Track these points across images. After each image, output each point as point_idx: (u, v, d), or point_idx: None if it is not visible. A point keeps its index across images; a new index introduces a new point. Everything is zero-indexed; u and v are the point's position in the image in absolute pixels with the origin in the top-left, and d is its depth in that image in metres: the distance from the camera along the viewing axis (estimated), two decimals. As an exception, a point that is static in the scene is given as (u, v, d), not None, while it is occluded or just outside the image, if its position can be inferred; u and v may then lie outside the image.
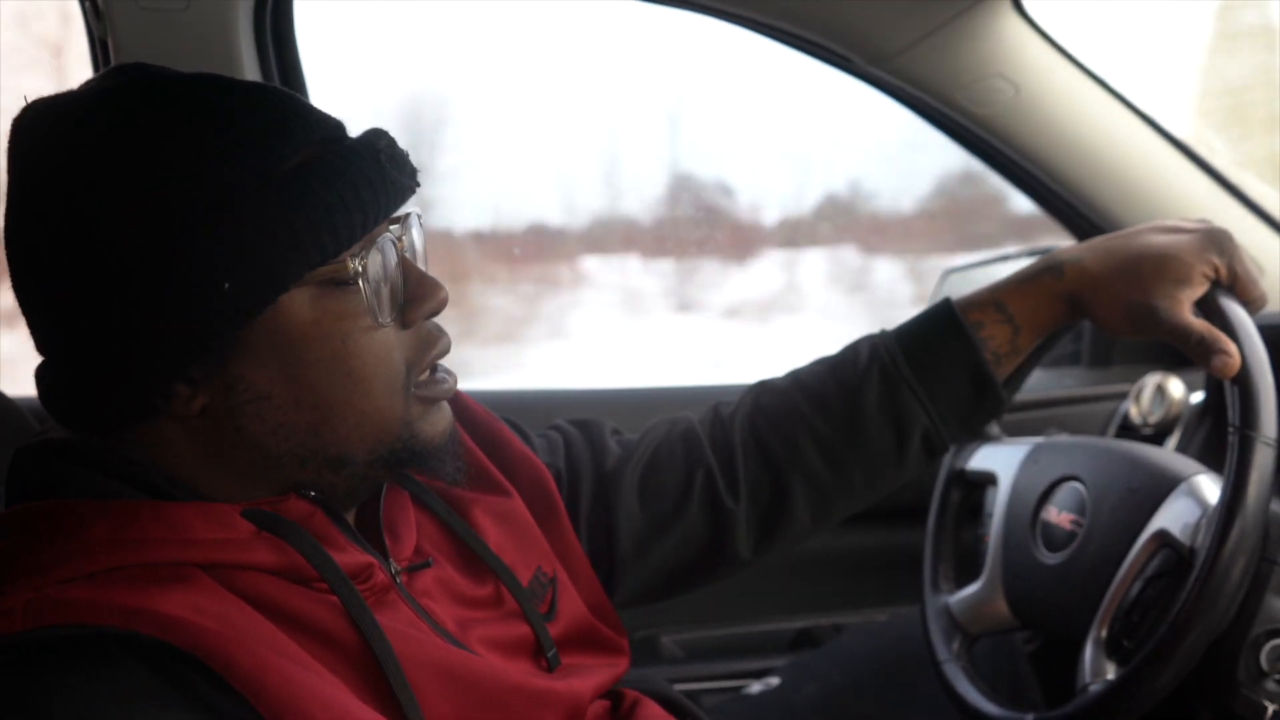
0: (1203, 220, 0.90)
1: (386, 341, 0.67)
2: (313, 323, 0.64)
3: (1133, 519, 0.92)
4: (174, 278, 0.60)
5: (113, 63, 1.20)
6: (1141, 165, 1.41)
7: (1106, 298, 0.88)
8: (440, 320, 0.72)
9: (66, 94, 0.66)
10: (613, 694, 0.86)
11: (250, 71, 1.29)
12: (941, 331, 0.91)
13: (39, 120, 0.65)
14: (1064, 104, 1.36)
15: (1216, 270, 0.86)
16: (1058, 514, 1.02)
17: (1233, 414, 0.82)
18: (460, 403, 0.88)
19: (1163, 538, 0.88)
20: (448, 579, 0.77)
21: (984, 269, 1.71)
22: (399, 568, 0.73)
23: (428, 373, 0.71)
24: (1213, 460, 0.96)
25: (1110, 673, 0.89)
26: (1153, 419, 1.35)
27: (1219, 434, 1.23)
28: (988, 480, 1.13)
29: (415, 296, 0.69)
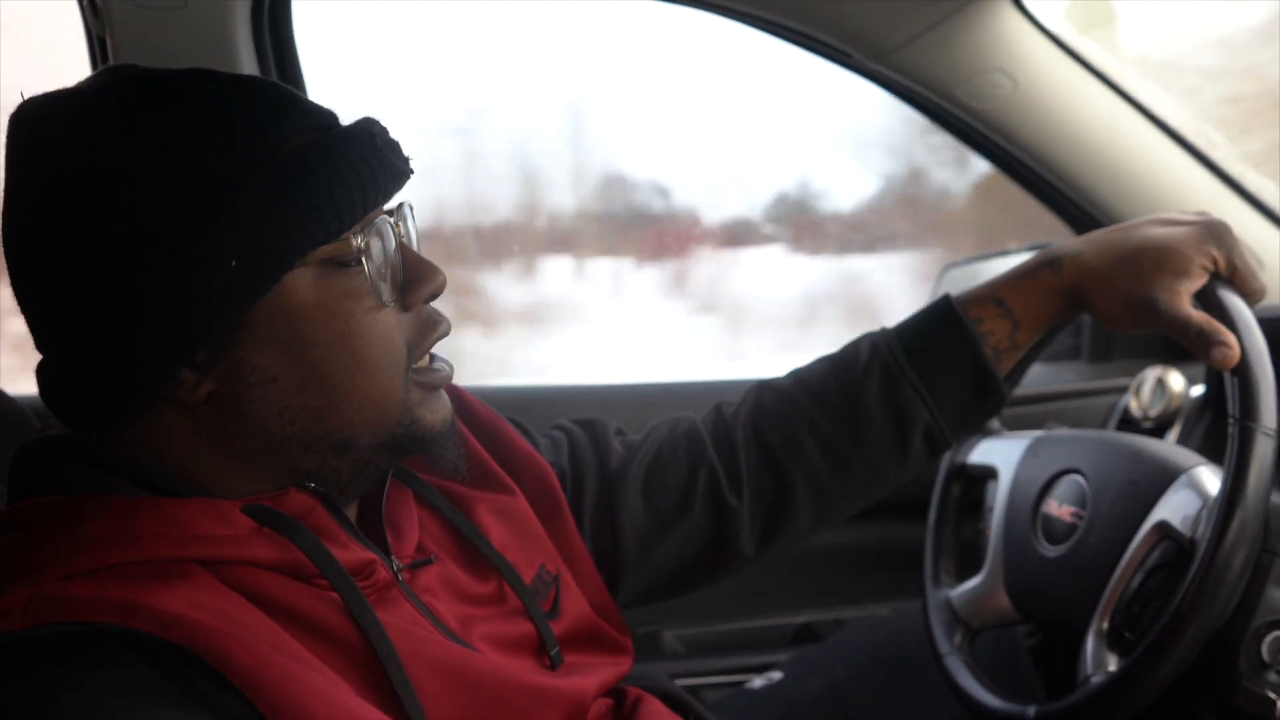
0: (1201, 213, 0.90)
1: (389, 323, 0.68)
2: (317, 304, 0.65)
3: (1133, 511, 0.92)
4: (181, 259, 0.61)
5: (111, 61, 1.20)
6: (1140, 159, 1.41)
7: (1105, 291, 0.88)
8: None
9: (64, 90, 0.66)
10: (615, 691, 0.86)
11: (248, 69, 1.29)
12: (942, 328, 0.91)
13: (37, 114, 0.65)
14: (1063, 98, 1.36)
15: (1215, 262, 0.86)
16: (1058, 507, 1.02)
17: (1233, 405, 0.82)
18: (462, 400, 0.88)
19: (1163, 529, 0.88)
20: (450, 576, 0.77)
21: (983, 264, 1.71)
22: (401, 565, 0.73)
23: (426, 360, 0.72)
24: (1213, 452, 0.96)
25: (1112, 664, 0.89)
26: (1153, 412, 1.35)
27: (1219, 426, 1.23)
28: (988, 474, 1.13)
29: (414, 279, 0.70)
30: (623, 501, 0.91)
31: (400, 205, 0.71)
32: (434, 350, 0.73)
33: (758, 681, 1.20)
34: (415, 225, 0.73)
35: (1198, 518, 0.86)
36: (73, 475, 0.65)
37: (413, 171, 0.69)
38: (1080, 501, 0.99)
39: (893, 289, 2.90)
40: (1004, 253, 1.71)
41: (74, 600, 0.57)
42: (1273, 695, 0.83)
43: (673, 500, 0.91)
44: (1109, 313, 0.89)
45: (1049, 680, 1.13)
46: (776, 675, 1.19)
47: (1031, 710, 0.93)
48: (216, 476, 0.67)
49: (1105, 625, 0.90)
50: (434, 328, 0.71)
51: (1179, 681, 0.83)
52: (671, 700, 0.90)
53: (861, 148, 2.91)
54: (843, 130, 2.83)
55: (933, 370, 0.91)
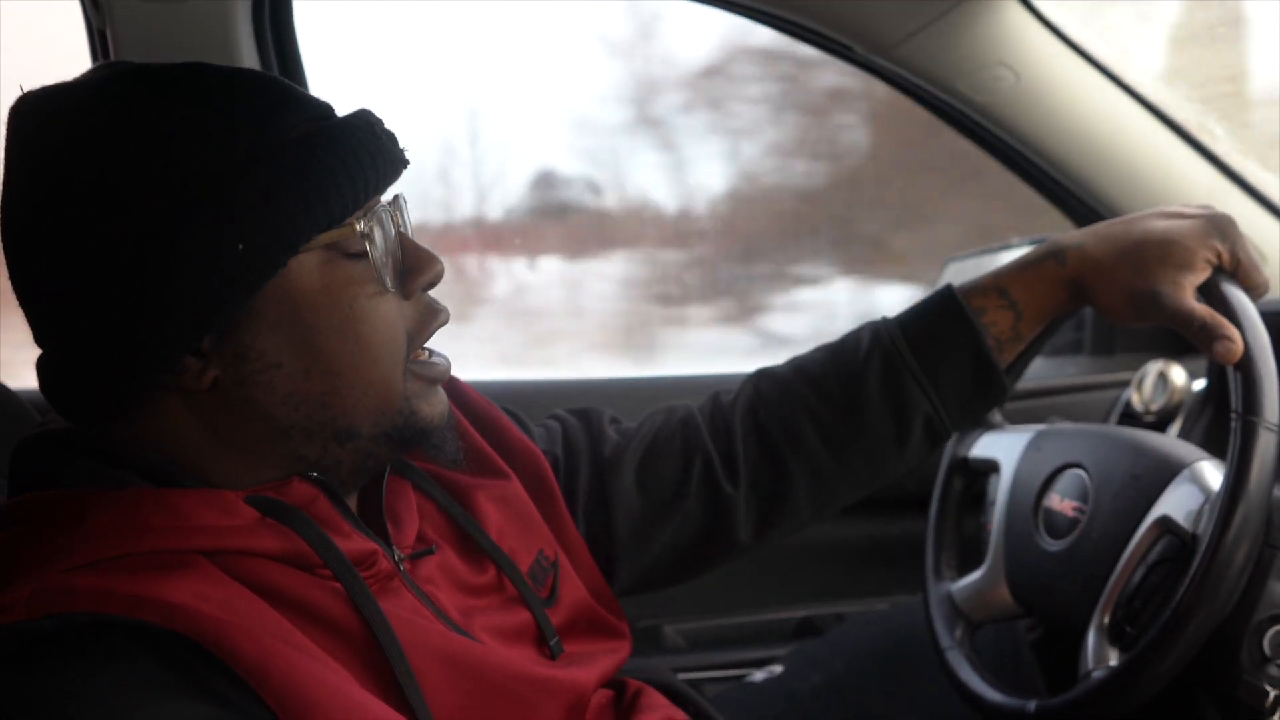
0: (1205, 206, 0.89)
1: (391, 309, 0.69)
2: (321, 289, 0.66)
3: (1135, 505, 0.92)
4: (189, 244, 0.61)
5: (112, 55, 1.20)
6: (1142, 152, 1.41)
7: (1109, 283, 0.88)
8: None
9: (64, 83, 0.66)
10: (616, 683, 0.86)
11: (249, 64, 1.29)
12: (944, 317, 0.91)
13: (37, 108, 0.65)
14: (1065, 91, 1.36)
15: (1219, 256, 0.86)
16: (1060, 501, 1.02)
17: (1235, 400, 0.82)
18: (458, 390, 0.89)
19: (1165, 524, 0.88)
20: (450, 566, 0.78)
21: (986, 258, 1.70)
22: (402, 555, 0.74)
23: (425, 354, 0.73)
24: (1215, 447, 0.96)
25: (1113, 659, 0.89)
26: (1155, 406, 1.35)
27: (1221, 420, 1.23)
28: (990, 468, 1.13)
29: (414, 267, 0.71)
30: (617, 488, 0.91)
31: (395, 196, 0.72)
32: (429, 346, 0.74)
33: (758, 675, 1.20)
34: (408, 216, 0.73)
35: (1199, 513, 0.86)
36: (74, 468, 0.65)
37: (409, 161, 0.70)
38: (1082, 496, 0.99)
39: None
40: (1006, 246, 1.71)
41: (79, 592, 0.57)
42: (1274, 690, 0.83)
43: (667, 488, 0.91)
44: (1112, 305, 0.89)
45: (1050, 675, 1.13)
46: (777, 669, 1.19)
47: (1032, 705, 0.93)
48: (219, 466, 0.67)
49: (1106, 620, 0.90)
50: (434, 316, 0.72)
51: (1180, 676, 0.82)
52: (672, 693, 0.90)
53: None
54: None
55: (934, 360, 0.90)
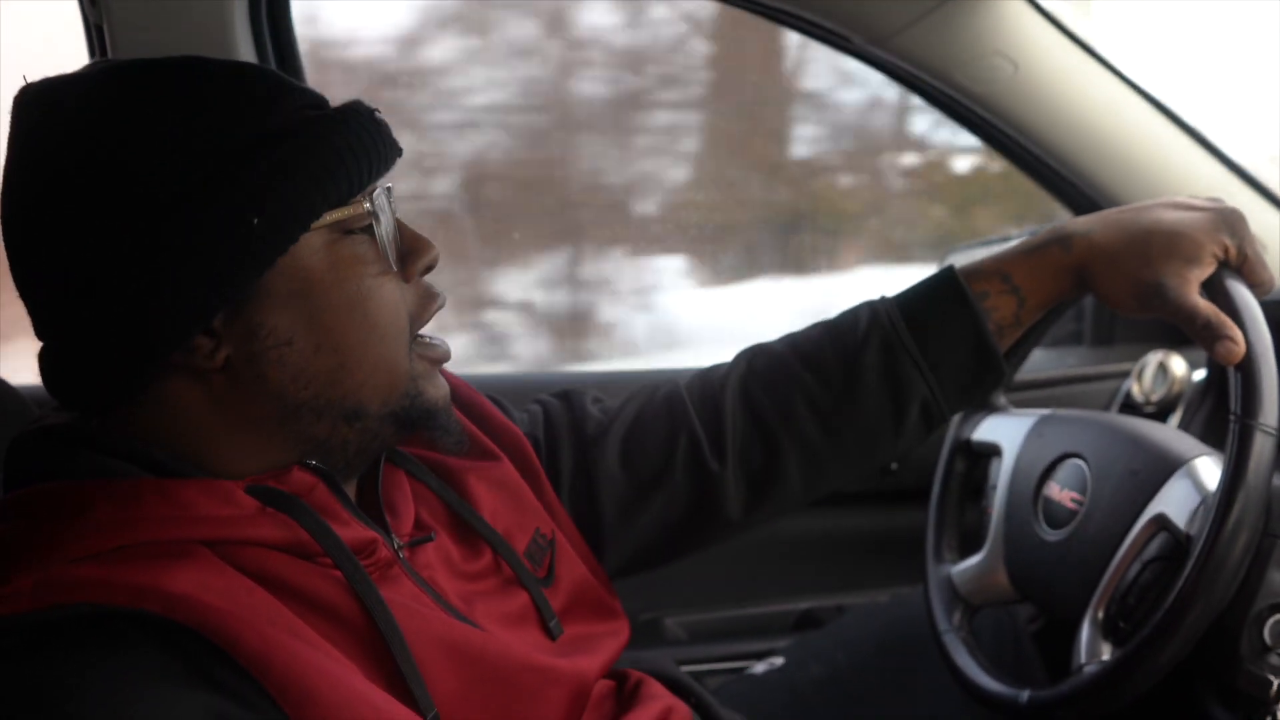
0: (1215, 199, 0.88)
1: (394, 290, 0.71)
2: (329, 267, 0.67)
3: (1133, 500, 0.92)
4: (203, 221, 0.62)
5: (109, 52, 1.20)
6: (1142, 142, 1.40)
7: (1114, 273, 0.87)
8: None
9: (67, 74, 0.67)
10: (617, 673, 0.86)
11: (246, 59, 1.28)
12: (945, 300, 0.90)
13: (41, 98, 0.66)
14: (1064, 81, 1.36)
15: (1226, 251, 0.85)
16: (1059, 491, 1.02)
17: (1234, 402, 0.81)
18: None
19: (1161, 522, 0.88)
20: (448, 553, 0.78)
21: (989, 251, 1.70)
22: (401, 543, 0.74)
23: (426, 337, 0.74)
24: (1215, 437, 0.96)
25: (1106, 654, 0.89)
26: (1155, 397, 1.35)
27: (1221, 411, 1.23)
28: (992, 451, 1.12)
29: (412, 250, 0.73)
30: (600, 467, 0.91)
31: (388, 187, 0.73)
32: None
33: (759, 667, 1.20)
34: (395, 206, 0.75)
35: (1195, 512, 0.86)
36: (74, 461, 0.65)
37: (403, 150, 0.72)
38: (1081, 487, 0.99)
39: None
40: (1008, 239, 1.70)
41: (82, 582, 0.58)
42: (1276, 679, 0.83)
43: (652, 465, 0.91)
44: (1114, 295, 0.88)
45: (1051, 666, 1.13)
46: (778, 661, 1.19)
47: (1025, 695, 0.93)
48: (223, 450, 0.68)
49: (1101, 614, 0.90)
50: (432, 299, 0.74)
51: (1180, 666, 0.82)
52: (673, 683, 0.90)
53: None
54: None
55: (934, 344, 0.89)
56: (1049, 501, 1.03)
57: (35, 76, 0.67)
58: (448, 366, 0.78)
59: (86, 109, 0.64)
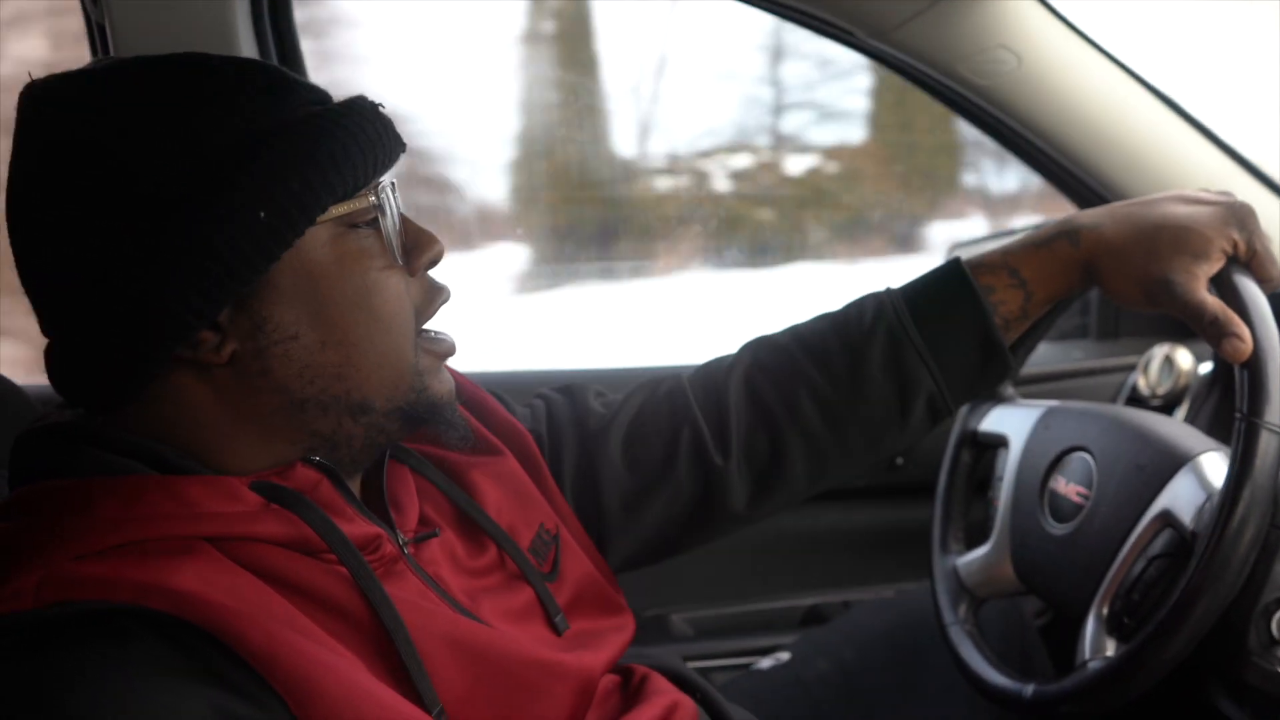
0: (1224, 193, 0.88)
1: (400, 284, 0.71)
2: (334, 261, 0.68)
3: (1139, 496, 0.91)
4: (210, 213, 0.62)
5: (111, 50, 1.20)
6: (1147, 135, 1.39)
7: (1122, 268, 0.86)
8: None
9: (72, 71, 0.67)
10: (622, 669, 0.86)
11: (249, 56, 1.28)
12: (951, 294, 0.89)
13: (47, 94, 0.66)
14: (1068, 74, 1.35)
15: (1235, 246, 0.84)
16: (1065, 485, 1.01)
17: (1240, 400, 0.81)
18: None
19: (1166, 518, 0.88)
20: (453, 548, 0.78)
21: (993, 245, 1.70)
22: (406, 539, 0.74)
23: (431, 332, 0.74)
24: (1221, 430, 0.96)
25: (1110, 650, 0.89)
26: (1161, 390, 1.35)
27: (1228, 404, 1.22)
28: (999, 442, 1.12)
29: (416, 245, 0.73)
30: (603, 463, 0.91)
31: (392, 182, 0.73)
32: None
33: (765, 663, 1.20)
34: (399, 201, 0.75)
35: (1200, 510, 0.85)
36: (77, 458, 0.65)
37: (406, 144, 0.72)
38: (1087, 481, 0.99)
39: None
40: (1012, 233, 1.70)
41: (86, 579, 0.58)
42: None
43: (655, 460, 0.91)
44: (1122, 290, 0.87)
45: (1059, 658, 1.13)
46: (784, 657, 1.19)
47: (1029, 689, 0.93)
48: (228, 445, 0.68)
49: (1105, 610, 0.90)
50: (438, 294, 0.74)
51: (1187, 660, 0.82)
52: (679, 679, 0.90)
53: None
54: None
55: (940, 338, 0.89)
56: (1055, 495, 1.02)
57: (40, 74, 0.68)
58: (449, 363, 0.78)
59: (91, 105, 0.64)
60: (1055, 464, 1.04)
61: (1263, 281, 0.85)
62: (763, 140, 2.88)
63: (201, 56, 0.67)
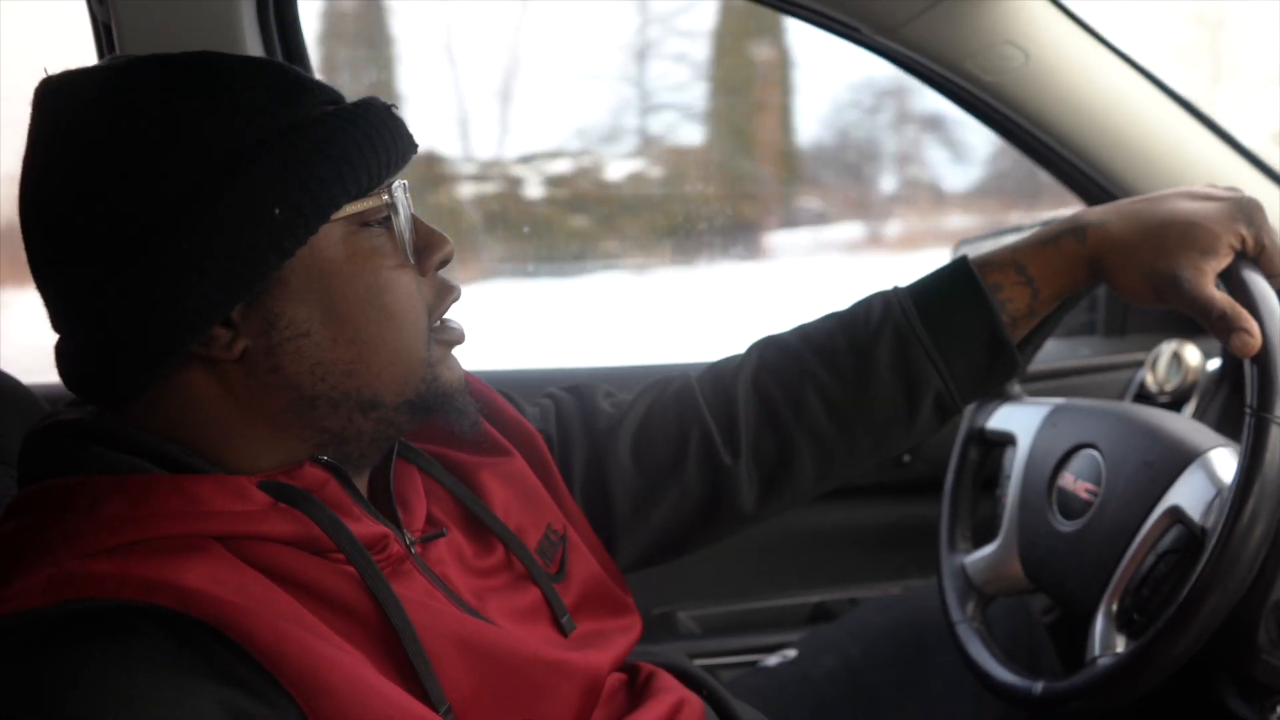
0: (1232, 189, 0.87)
1: (411, 282, 0.71)
2: (346, 259, 0.68)
3: (1147, 492, 0.91)
4: (225, 209, 0.63)
5: (117, 49, 1.20)
6: (1154, 131, 1.39)
7: (1129, 264, 0.86)
8: None
9: (86, 68, 0.67)
10: (629, 666, 0.86)
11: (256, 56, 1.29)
12: (958, 292, 0.89)
13: (62, 90, 0.66)
14: (1075, 70, 1.35)
15: (1243, 241, 0.84)
16: (1074, 482, 1.01)
17: (1250, 395, 0.80)
18: None
19: (1175, 514, 0.87)
20: (460, 548, 0.78)
21: (998, 241, 1.69)
22: (413, 538, 0.74)
23: (441, 321, 0.75)
24: (1230, 426, 0.95)
25: (1119, 646, 0.88)
26: (1169, 387, 1.34)
27: (1236, 400, 1.22)
28: (1007, 440, 1.12)
29: (428, 245, 0.73)
30: (612, 463, 0.91)
31: (403, 183, 0.73)
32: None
33: (772, 660, 1.20)
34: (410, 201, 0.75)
35: (1210, 506, 0.85)
36: (86, 457, 0.65)
37: (418, 145, 0.73)
38: (1095, 478, 0.98)
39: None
40: (1018, 229, 1.69)
41: (95, 577, 0.58)
42: None
43: (664, 460, 0.91)
44: (1129, 286, 0.87)
45: (1067, 655, 1.13)
46: (791, 654, 1.19)
47: (1038, 686, 0.93)
48: (237, 443, 0.68)
49: (1115, 607, 0.90)
50: (449, 292, 0.74)
51: (1196, 657, 0.82)
52: (685, 676, 0.90)
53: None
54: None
55: (947, 336, 0.89)
56: (1063, 492, 1.02)
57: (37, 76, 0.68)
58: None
59: (107, 101, 0.64)
60: (1063, 461, 1.03)
61: (1271, 276, 0.85)
62: (585, 144, 2.83)
63: (216, 55, 0.67)
